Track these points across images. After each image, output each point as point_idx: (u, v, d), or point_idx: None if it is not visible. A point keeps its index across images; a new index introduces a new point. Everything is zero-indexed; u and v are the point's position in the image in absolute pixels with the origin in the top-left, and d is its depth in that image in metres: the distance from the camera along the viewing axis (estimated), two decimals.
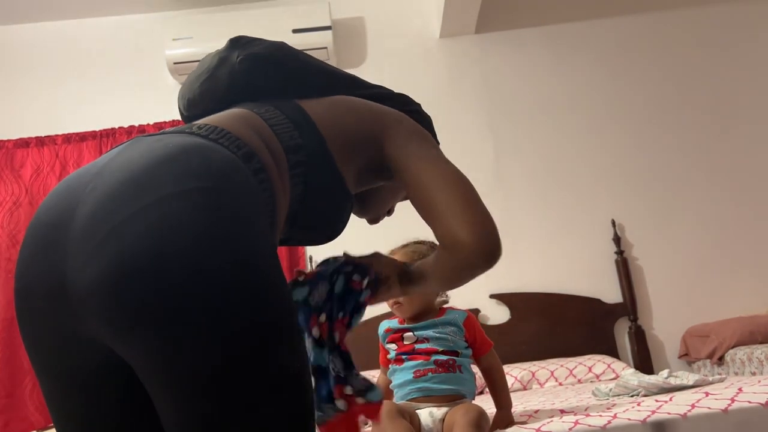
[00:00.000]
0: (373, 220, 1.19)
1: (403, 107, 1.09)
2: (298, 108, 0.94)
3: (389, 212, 1.21)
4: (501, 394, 1.45)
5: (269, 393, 0.66)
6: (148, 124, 3.34)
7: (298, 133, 0.89)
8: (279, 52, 1.01)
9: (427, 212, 0.93)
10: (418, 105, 1.16)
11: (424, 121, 1.14)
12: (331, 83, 1.05)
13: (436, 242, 1.37)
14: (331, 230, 0.97)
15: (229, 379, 0.64)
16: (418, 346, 1.43)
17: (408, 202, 1.17)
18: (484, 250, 0.88)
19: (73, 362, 0.73)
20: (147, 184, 0.68)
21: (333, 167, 0.91)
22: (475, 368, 1.53)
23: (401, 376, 1.42)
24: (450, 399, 1.39)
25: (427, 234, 1.50)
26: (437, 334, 1.43)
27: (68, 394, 0.74)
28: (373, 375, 1.59)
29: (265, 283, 0.69)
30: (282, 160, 0.85)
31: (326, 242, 0.99)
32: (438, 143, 1.17)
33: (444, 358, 1.40)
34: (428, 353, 1.41)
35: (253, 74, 0.99)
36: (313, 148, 0.89)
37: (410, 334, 1.45)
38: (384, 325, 1.52)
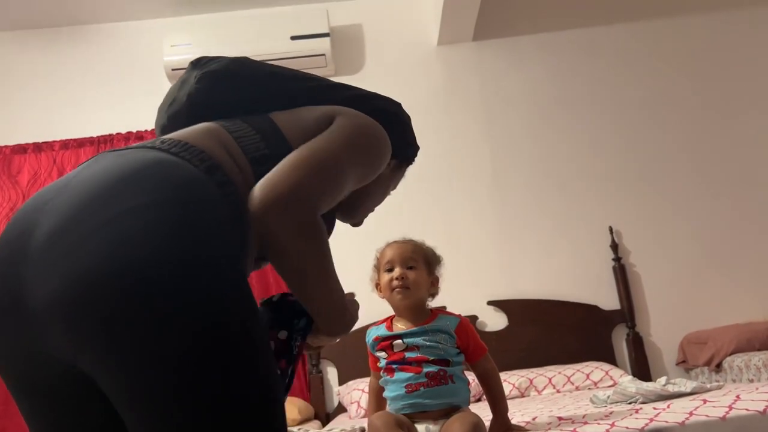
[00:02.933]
0: (356, 223, 1.20)
1: (369, 106, 1.08)
2: (267, 120, 0.94)
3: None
4: (497, 399, 1.43)
5: (232, 408, 0.66)
6: (146, 131, 3.34)
7: (265, 144, 0.89)
8: (234, 65, 1.02)
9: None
10: (397, 105, 1.17)
11: (396, 121, 1.15)
12: (298, 87, 1.04)
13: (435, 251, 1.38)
14: None
15: (190, 394, 0.64)
16: (408, 354, 1.40)
17: (388, 205, 1.19)
18: (268, 198, 0.77)
19: (38, 376, 0.73)
20: (105, 201, 0.68)
21: None
22: (470, 376, 1.52)
23: (393, 389, 1.40)
24: (444, 413, 1.37)
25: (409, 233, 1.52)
26: (427, 342, 1.40)
27: (37, 407, 0.74)
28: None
29: (229, 297, 0.68)
30: (248, 173, 0.85)
31: None
32: (414, 144, 1.21)
33: (435, 369, 1.37)
34: (419, 362, 1.38)
35: (211, 90, 1.00)
36: (280, 159, 0.89)
37: (399, 341, 1.41)
38: (372, 333, 1.49)
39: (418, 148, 1.27)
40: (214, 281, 0.67)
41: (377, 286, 1.49)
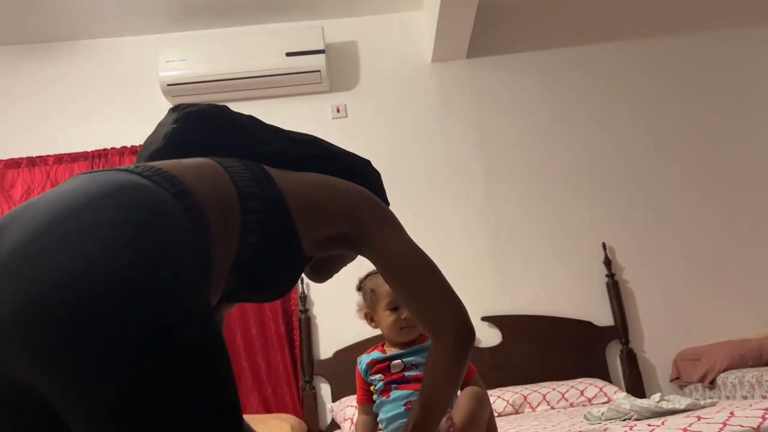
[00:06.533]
0: (319, 280, 1.22)
1: (354, 175, 1.12)
2: (259, 166, 0.96)
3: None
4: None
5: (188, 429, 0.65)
6: (140, 145, 3.33)
7: (256, 183, 0.91)
8: (210, 109, 1.04)
9: (413, 298, 1.05)
10: (367, 163, 1.19)
11: (373, 181, 1.18)
12: (269, 138, 1.06)
13: None
14: (279, 287, 0.98)
15: (145, 417, 0.63)
16: (407, 373, 1.40)
17: None
18: (468, 330, 1.01)
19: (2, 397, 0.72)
20: (64, 218, 0.68)
21: (290, 223, 0.93)
22: None
23: (390, 408, 1.38)
24: None
25: None
26: (426, 360, 1.40)
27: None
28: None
29: (180, 319, 0.68)
30: (233, 205, 0.87)
31: (270, 300, 1.00)
32: (386, 197, 1.22)
33: None
34: (418, 380, 1.37)
35: (186, 131, 1.02)
36: (269, 200, 0.91)
37: (398, 362, 1.41)
38: (365, 359, 1.47)
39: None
40: (159, 300, 0.67)
41: (367, 315, 1.48)
